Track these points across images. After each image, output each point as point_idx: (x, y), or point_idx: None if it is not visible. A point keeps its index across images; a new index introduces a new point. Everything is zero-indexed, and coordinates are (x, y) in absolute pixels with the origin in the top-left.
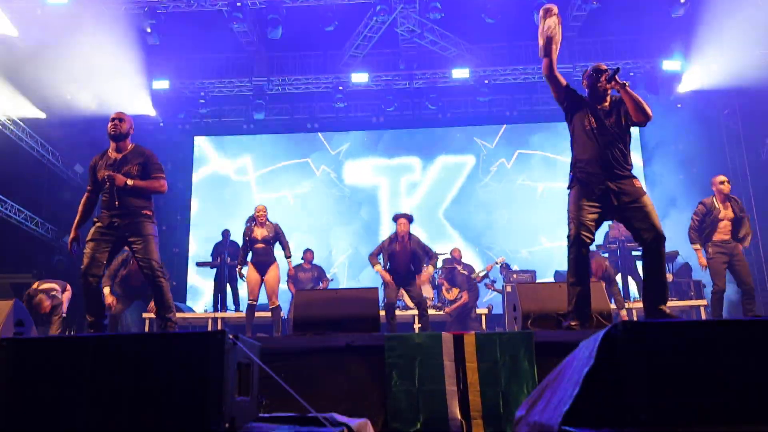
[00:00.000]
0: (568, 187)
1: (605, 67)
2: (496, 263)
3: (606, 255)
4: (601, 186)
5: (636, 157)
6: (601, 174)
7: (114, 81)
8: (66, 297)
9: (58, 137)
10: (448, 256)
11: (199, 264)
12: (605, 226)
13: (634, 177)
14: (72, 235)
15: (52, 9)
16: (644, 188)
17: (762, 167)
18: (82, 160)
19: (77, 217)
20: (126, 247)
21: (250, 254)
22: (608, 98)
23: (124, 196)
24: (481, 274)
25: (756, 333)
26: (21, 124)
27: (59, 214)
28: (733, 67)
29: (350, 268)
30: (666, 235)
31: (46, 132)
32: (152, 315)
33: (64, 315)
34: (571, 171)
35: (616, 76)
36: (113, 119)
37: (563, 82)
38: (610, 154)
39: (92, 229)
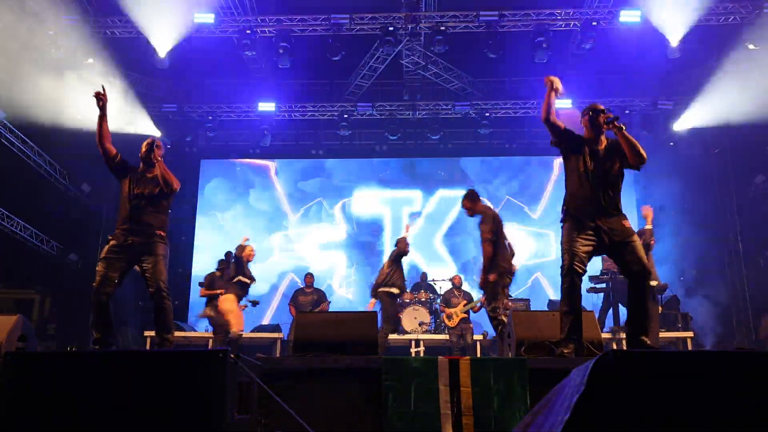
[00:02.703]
0: (561, 221)
1: (603, 107)
2: None
3: (602, 285)
4: (591, 223)
5: (629, 192)
6: (592, 213)
7: (125, 102)
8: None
9: (66, 155)
10: (448, 283)
11: (202, 284)
12: (597, 258)
13: (624, 218)
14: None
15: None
16: (633, 226)
17: (750, 205)
18: (90, 179)
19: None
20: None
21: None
22: (604, 139)
23: (142, 213)
24: (478, 305)
25: (737, 365)
26: (29, 141)
27: (65, 231)
28: (724, 108)
29: (351, 296)
30: (654, 267)
31: (54, 150)
32: (153, 333)
33: None
34: (564, 206)
35: (616, 120)
36: (160, 147)
37: (561, 126)
38: (602, 195)
39: (106, 248)
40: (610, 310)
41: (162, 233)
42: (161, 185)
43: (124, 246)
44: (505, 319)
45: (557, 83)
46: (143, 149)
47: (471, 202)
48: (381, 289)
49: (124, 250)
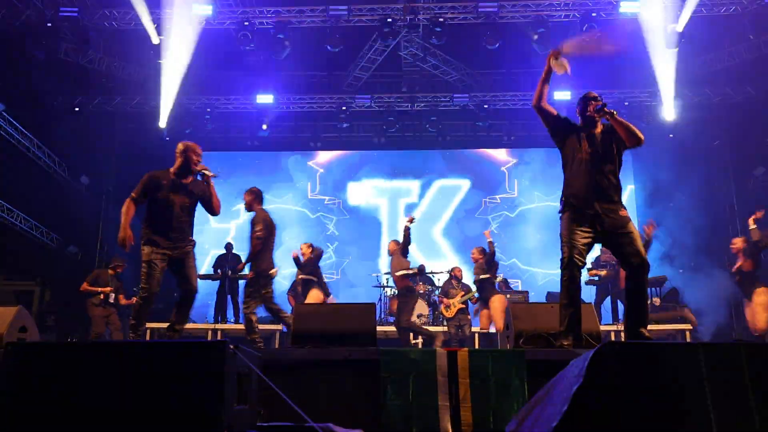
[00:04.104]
0: (560, 211)
1: (595, 95)
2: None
3: (596, 279)
4: (590, 211)
5: (628, 185)
6: (590, 200)
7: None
8: None
9: (66, 148)
10: (446, 275)
11: (202, 276)
12: (596, 249)
13: (622, 206)
14: (127, 234)
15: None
16: (630, 215)
17: (749, 197)
18: (88, 171)
19: (127, 220)
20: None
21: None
22: (599, 125)
23: (180, 220)
24: (476, 296)
25: (732, 355)
26: (28, 134)
27: (64, 223)
28: (723, 99)
29: (348, 287)
30: (652, 259)
31: (53, 143)
32: (152, 325)
33: None
34: (562, 195)
35: (605, 107)
36: (200, 155)
37: (553, 112)
38: (600, 180)
39: (150, 251)
40: (605, 303)
41: (192, 239)
42: (207, 207)
43: (167, 251)
44: (254, 318)
45: (558, 64)
46: (180, 157)
47: (252, 199)
48: None
49: (165, 255)
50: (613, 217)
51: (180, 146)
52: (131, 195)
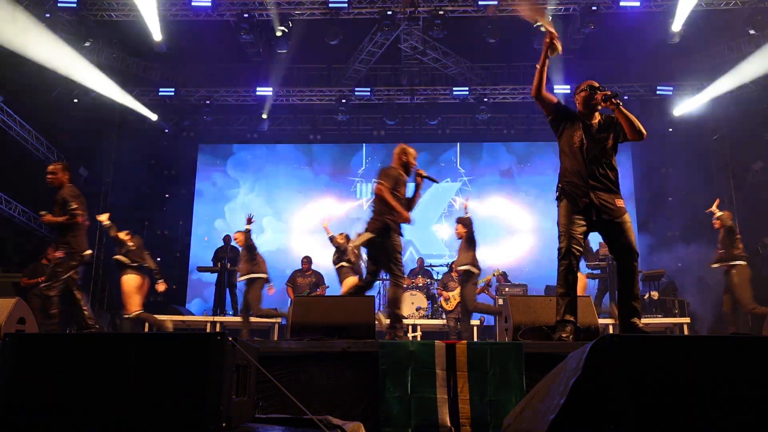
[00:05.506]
0: (556, 199)
1: (598, 85)
2: (493, 275)
3: (597, 272)
4: (584, 199)
5: (626, 178)
6: (585, 188)
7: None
8: None
9: (64, 140)
10: (446, 268)
11: (201, 269)
12: (596, 243)
13: (619, 196)
14: None
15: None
16: (627, 208)
17: (747, 191)
18: (87, 163)
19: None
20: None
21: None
22: (598, 115)
23: None
24: (478, 286)
25: (730, 349)
26: (26, 125)
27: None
28: (723, 94)
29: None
30: (652, 254)
31: (51, 134)
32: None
33: None
34: (558, 183)
35: (615, 96)
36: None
37: (553, 99)
38: (595, 170)
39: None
40: (606, 296)
41: None
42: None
43: None
44: (53, 295)
45: (557, 42)
46: (403, 159)
47: (60, 173)
48: None
49: None
50: (608, 207)
51: (398, 149)
52: (387, 186)
